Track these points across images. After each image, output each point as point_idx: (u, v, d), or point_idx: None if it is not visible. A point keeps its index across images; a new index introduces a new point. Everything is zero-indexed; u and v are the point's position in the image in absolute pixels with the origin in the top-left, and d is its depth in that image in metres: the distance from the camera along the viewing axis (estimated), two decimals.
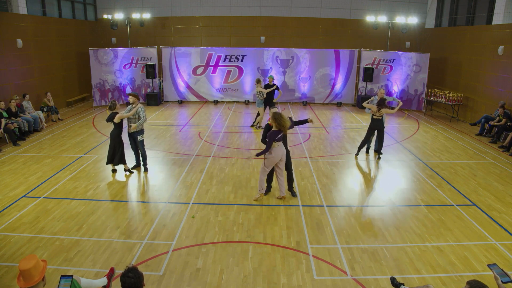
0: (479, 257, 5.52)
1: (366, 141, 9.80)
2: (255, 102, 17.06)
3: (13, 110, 11.23)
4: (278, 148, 6.89)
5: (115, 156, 8.33)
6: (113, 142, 8.24)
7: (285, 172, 7.30)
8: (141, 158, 8.79)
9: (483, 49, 13.75)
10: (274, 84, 12.54)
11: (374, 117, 9.38)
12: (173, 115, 14.90)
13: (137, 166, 8.81)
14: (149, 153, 9.75)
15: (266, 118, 12.95)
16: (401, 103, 9.85)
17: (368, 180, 8.51)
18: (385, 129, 9.77)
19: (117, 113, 8.18)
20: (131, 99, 8.39)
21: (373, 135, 9.83)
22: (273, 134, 6.71)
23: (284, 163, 7.12)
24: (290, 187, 7.50)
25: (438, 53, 16.62)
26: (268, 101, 12.56)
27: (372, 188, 8.02)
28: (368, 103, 9.69)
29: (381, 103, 9.22)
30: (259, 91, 12.25)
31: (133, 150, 8.80)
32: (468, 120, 14.29)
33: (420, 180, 8.45)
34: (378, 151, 9.86)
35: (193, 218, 6.57)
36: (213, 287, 4.83)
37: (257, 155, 6.98)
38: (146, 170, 8.71)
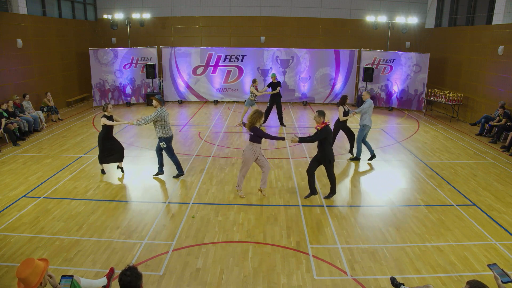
0: (479, 257, 5.52)
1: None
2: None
3: (10, 110, 11.22)
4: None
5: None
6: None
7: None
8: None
9: (483, 49, 13.75)
10: (278, 82, 12.70)
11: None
12: (173, 115, 14.90)
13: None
14: (149, 153, 9.76)
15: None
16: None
17: (368, 180, 8.51)
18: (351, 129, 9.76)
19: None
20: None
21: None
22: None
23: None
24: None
25: (438, 53, 16.61)
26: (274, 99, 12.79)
27: (372, 188, 8.02)
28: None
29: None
30: (252, 92, 12.32)
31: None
32: (468, 120, 14.29)
33: (420, 180, 8.45)
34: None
35: (193, 218, 6.57)
36: (213, 287, 4.83)
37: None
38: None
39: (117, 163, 8.53)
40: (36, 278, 3.16)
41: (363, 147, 9.66)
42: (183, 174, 8.44)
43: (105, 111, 8.11)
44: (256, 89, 12.35)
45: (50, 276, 3.34)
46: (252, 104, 12.48)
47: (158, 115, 7.79)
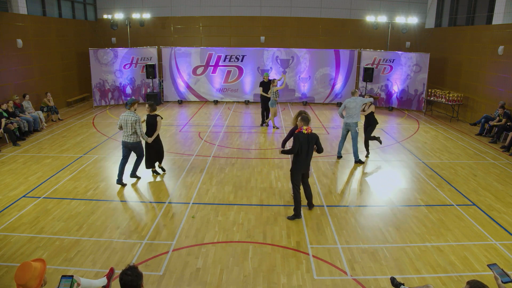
0: (479, 257, 5.52)
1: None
2: (255, 102, 17.11)
3: (10, 110, 11.22)
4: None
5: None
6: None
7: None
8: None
9: (483, 49, 13.75)
10: (270, 80, 12.69)
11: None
12: (173, 115, 14.90)
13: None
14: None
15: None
16: None
17: (368, 180, 8.51)
18: (377, 129, 9.78)
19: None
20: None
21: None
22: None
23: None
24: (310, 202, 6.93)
25: (438, 53, 16.61)
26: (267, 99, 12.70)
27: (372, 188, 8.02)
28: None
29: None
30: (276, 91, 12.25)
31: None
32: (468, 120, 14.29)
33: (420, 180, 8.45)
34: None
35: (193, 218, 6.57)
36: (213, 287, 4.83)
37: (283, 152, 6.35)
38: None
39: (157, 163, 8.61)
40: (36, 281, 3.15)
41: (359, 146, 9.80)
42: (121, 183, 7.91)
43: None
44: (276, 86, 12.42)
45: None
46: (275, 104, 12.47)
47: (119, 121, 7.77)
